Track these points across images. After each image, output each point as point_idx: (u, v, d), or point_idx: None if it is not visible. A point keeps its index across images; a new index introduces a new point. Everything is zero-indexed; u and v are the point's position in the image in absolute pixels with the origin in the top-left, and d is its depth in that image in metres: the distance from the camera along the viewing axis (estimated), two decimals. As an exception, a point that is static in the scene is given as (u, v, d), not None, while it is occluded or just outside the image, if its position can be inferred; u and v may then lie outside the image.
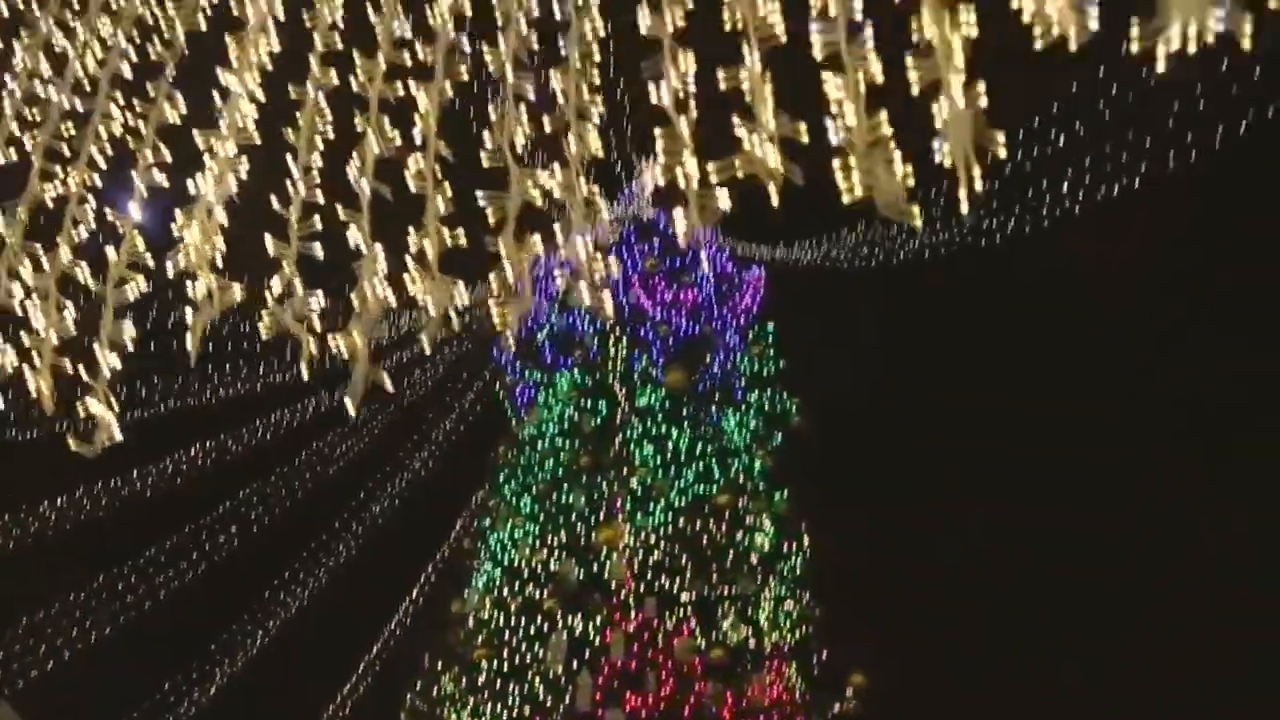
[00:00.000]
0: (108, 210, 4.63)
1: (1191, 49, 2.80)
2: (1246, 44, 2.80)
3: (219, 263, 4.63)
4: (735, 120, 3.15)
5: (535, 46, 4.05)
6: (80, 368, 4.80)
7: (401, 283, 3.86)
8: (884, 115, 2.99)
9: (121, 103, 4.61)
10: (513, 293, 3.66)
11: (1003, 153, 3.00)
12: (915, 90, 2.92)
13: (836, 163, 2.97)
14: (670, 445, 15.57)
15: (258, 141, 4.64)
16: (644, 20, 3.51)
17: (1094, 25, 2.88)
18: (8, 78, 4.90)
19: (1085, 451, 19.18)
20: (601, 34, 3.83)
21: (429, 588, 17.60)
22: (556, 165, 3.57)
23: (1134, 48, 2.84)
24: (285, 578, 17.68)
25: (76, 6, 4.91)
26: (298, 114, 4.58)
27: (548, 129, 3.72)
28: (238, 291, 4.57)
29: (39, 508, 16.50)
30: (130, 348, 4.60)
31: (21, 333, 4.96)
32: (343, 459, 17.61)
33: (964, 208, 2.98)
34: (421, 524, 18.10)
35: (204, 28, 4.72)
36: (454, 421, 18.11)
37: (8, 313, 4.84)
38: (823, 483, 16.58)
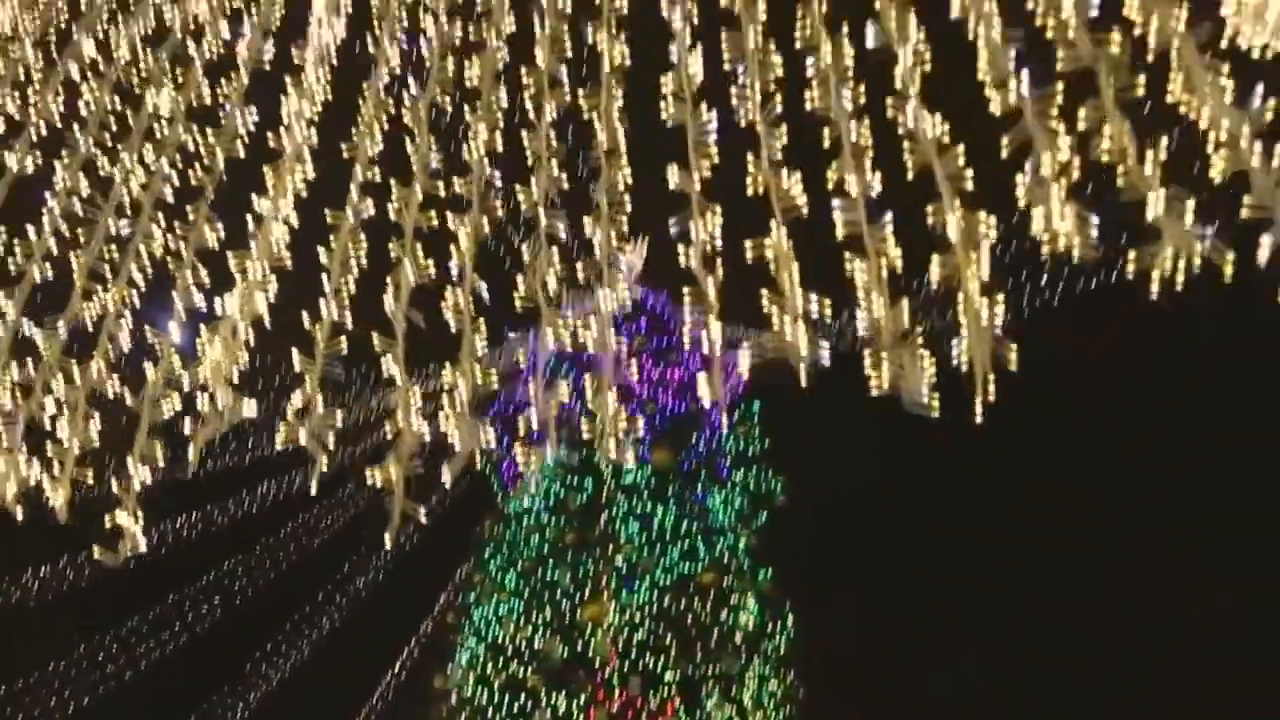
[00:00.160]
0: (146, 328, 4.78)
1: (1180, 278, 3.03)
2: (1228, 270, 3.05)
3: (235, 379, 4.77)
4: (764, 294, 3.32)
5: (565, 187, 4.23)
6: (110, 479, 4.94)
7: (435, 416, 4.00)
8: (906, 305, 3.18)
9: (162, 224, 4.78)
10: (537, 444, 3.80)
11: (1014, 366, 3.19)
12: (934, 285, 3.12)
13: (867, 355, 3.15)
14: (655, 523, 15.64)
15: (289, 265, 4.81)
16: (673, 176, 3.70)
17: (1094, 237, 3.11)
18: (48, 195, 5.07)
19: (1083, 546, 19.13)
20: (629, 182, 4.01)
21: (412, 662, 17.56)
22: (591, 317, 3.73)
23: (1130, 269, 3.08)
24: (268, 649, 17.63)
25: (115, 128, 5.09)
26: (332, 238, 4.75)
27: (580, 276, 3.88)
28: (248, 407, 4.71)
29: (21, 577, 16.48)
30: (162, 463, 4.74)
31: (47, 443, 5.10)
32: (327, 531, 17.64)
33: (977, 416, 3.16)
34: (405, 598, 18.08)
35: (242, 155, 4.90)
36: (439, 496, 18.13)
37: (39, 426, 4.97)
38: (808, 562, 16.62)
